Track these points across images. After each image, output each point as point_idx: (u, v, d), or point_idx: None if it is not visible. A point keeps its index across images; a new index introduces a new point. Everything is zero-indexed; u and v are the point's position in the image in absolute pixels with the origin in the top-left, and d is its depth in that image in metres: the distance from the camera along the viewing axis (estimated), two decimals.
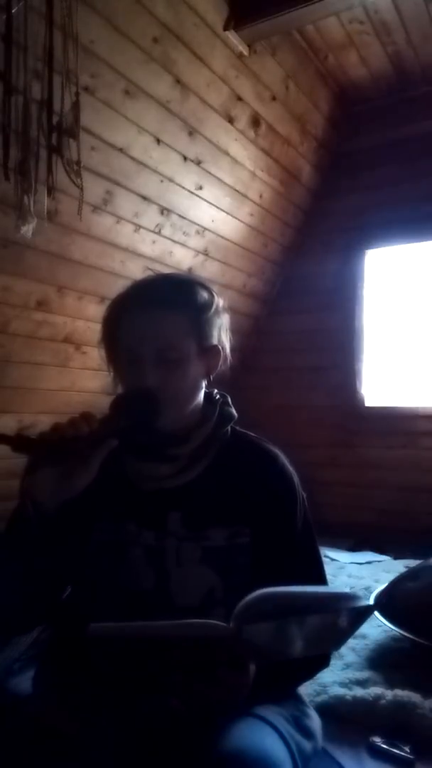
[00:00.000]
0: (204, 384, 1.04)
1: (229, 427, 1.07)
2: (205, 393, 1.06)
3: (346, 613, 0.77)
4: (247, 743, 0.80)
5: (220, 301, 1.05)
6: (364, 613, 0.80)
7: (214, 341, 1.03)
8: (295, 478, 1.06)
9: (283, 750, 0.83)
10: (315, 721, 1.00)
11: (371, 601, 1.76)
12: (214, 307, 1.03)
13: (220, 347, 1.04)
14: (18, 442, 0.84)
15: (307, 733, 0.94)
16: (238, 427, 1.10)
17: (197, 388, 1.02)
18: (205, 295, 1.02)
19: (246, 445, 1.07)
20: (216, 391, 1.10)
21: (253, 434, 1.10)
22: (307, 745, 0.92)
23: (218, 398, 1.09)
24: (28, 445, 0.84)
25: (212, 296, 1.04)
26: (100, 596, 0.98)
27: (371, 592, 1.95)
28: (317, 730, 0.99)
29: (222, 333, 1.05)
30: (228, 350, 1.06)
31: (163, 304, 0.98)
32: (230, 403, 1.10)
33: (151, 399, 0.95)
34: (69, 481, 0.88)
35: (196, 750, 0.79)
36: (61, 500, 0.89)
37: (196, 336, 1.00)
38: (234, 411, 1.09)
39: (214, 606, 0.94)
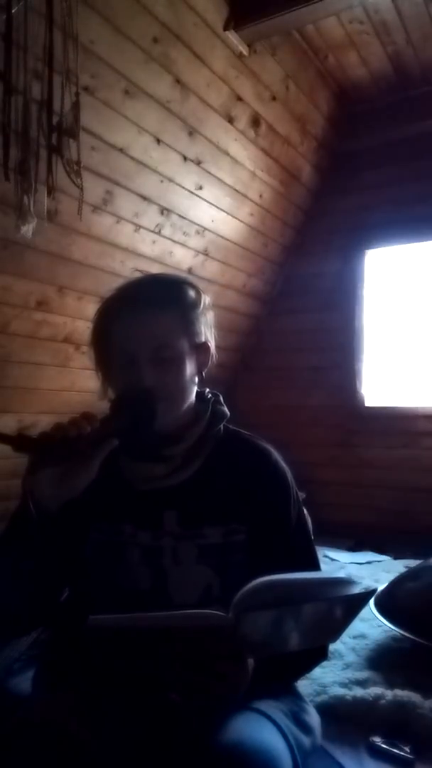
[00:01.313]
0: (197, 381, 1.05)
1: (221, 426, 1.08)
2: (197, 392, 1.07)
3: (342, 601, 0.77)
4: (246, 736, 0.80)
5: (206, 299, 1.07)
6: (361, 600, 0.80)
7: (203, 338, 1.05)
8: (289, 475, 1.07)
9: (281, 743, 0.83)
10: (314, 718, 1.00)
11: (371, 601, 1.76)
12: (202, 304, 1.05)
13: (208, 344, 1.06)
14: (20, 441, 0.84)
15: (306, 728, 0.95)
16: (230, 425, 1.10)
17: (192, 385, 1.04)
18: (192, 293, 1.04)
19: (239, 443, 1.08)
20: (207, 389, 1.11)
21: (245, 432, 1.11)
22: (305, 740, 0.92)
23: (210, 397, 1.10)
24: (30, 445, 0.84)
25: (199, 294, 1.06)
26: (98, 597, 0.99)
27: None
28: (316, 726, 0.99)
29: (208, 330, 1.07)
30: (214, 347, 1.08)
31: (155, 304, 0.99)
32: (222, 401, 1.11)
33: (150, 399, 0.95)
34: (70, 481, 0.89)
35: (196, 743, 0.80)
36: (63, 500, 0.89)
37: (187, 334, 1.01)
38: (226, 409, 1.10)
39: (211, 604, 0.94)
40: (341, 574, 0.84)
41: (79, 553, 1.00)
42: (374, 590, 0.85)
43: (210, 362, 1.07)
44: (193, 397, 1.05)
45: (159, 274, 1.15)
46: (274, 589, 0.75)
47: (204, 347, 1.05)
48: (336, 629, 0.84)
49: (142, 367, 0.96)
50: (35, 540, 0.89)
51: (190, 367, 1.01)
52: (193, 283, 1.08)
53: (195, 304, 1.04)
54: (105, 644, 0.77)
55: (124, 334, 0.99)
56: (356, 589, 0.78)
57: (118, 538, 0.99)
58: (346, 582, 0.79)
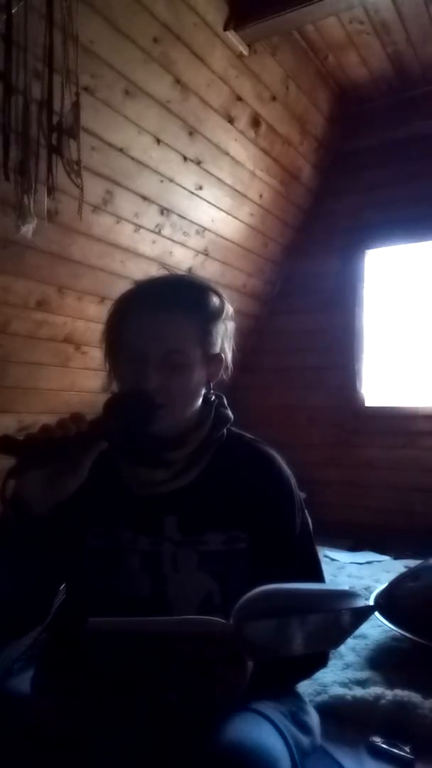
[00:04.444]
0: (203, 391, 1.02)
1: (225, 429, 1.05)
2: None
3: (344, 614, 0.77)
4: (244, 737, 0.79)
5: (230, 310, 1.04)
6: (364, 613, 0.80)
7: (218, 349, 1.02)
8: (293, 480, 1.04)
9: (280, 743, 0.83)
10: (313, 718, 1.00)
11: (371, 602, 1.76)
12: (223, 315, 1.02)
13: (222, 355, 1.03)
14: (5, 443, 0.81)
15: (305, 728, 0.94)
16: (233, 428, 1.08)
17: (197, 395, 1.01)
18: (216, 302, 1.01)
19: (242, 447, 1.05)
20: (211, 391, 1.08)
21: (249, 435, 1.08)
22: (304, 740, 0.92)
23: (213, 399, 1.07)
24: (15, 447, 0.82)
25: (223, 304, 1.02)
26: (96, 603, 0.97)
27: (371, 592, 1.95)
28: (315, 726, 0.99)
29: (226, 341, 1.03)
30: (229, 359, 1.05)
31: (176, 307, 0.96)
32: (226, 404, 1.08)
33: (146, 401, 0.92)
34: (58, 484, 0.86)
35: (194, 744, 0.79)
36: (52, 503, 0.87)
37: (202, 343, 0.98)
38: (230, 412, 1.07)
39: (212, 612, 0.93)
40: (345, 586, 0.84)
41: (75, 558, 0.98)
42: (375, 606, 0.84)
43: (222, 374, 1.04)
44: (197, 403, 1.02)
45: (186, 276, 1.11)
46: (277, 599, 0.74)
47: (217, 358, 1.02)
48: (336, 641, 0.83)
49: (149, 368, 0.93)
50: (19, 542, 0.86)
51: (198, 377, 0.98)
52: (219, 291, 1.04)
53: (217, 313, 1.00)
54: (103, 647, 0.76)
55: (139, 330, 0.95)
56: (359, 603, 0.76)
57: (116, 543, 0.97)
58: (350, 595, 0.78)
